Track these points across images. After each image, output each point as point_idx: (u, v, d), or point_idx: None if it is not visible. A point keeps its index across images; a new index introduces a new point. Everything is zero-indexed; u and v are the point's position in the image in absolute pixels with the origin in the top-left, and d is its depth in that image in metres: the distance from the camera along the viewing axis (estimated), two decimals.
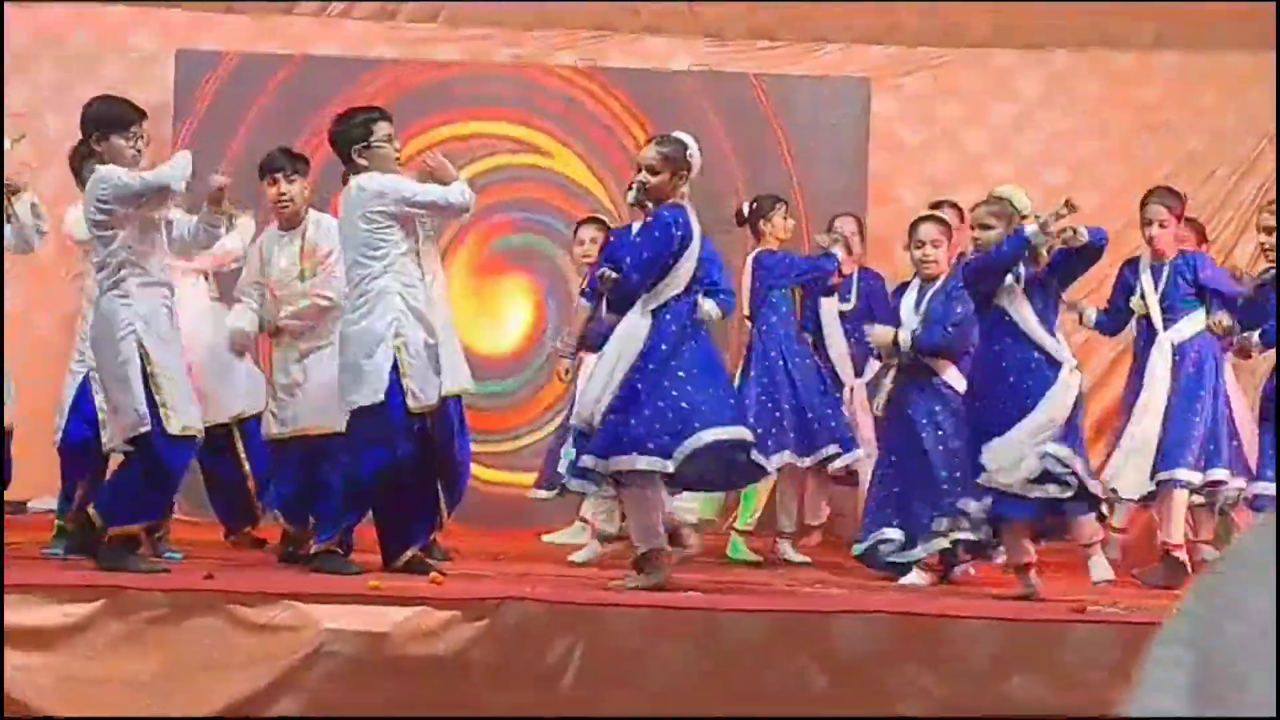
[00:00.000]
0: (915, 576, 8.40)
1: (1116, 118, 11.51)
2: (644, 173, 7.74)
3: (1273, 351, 8.82)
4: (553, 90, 11.26)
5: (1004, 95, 11.51)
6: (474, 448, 9.42)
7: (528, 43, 11.36)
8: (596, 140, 11.20)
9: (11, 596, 6.86)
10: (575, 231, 9.89)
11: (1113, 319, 9.29)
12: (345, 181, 8.07)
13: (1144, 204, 9.06)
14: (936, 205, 9.41)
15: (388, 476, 7.92)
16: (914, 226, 8.90)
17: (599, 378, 7.73)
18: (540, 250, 11.18)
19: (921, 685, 6.87)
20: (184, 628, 6.87)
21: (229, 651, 6.83)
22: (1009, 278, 7.78)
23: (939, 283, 8.67)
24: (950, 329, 8.53)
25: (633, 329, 7.68)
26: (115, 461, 8.16)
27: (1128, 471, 8.86)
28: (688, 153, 7.78)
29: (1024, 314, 7.82)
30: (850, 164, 11.16)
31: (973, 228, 8.07)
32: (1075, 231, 7.61)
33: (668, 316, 7.68)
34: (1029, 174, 11.21)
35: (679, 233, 7.68)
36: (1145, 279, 8.99)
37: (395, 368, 7.86)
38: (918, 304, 8.68)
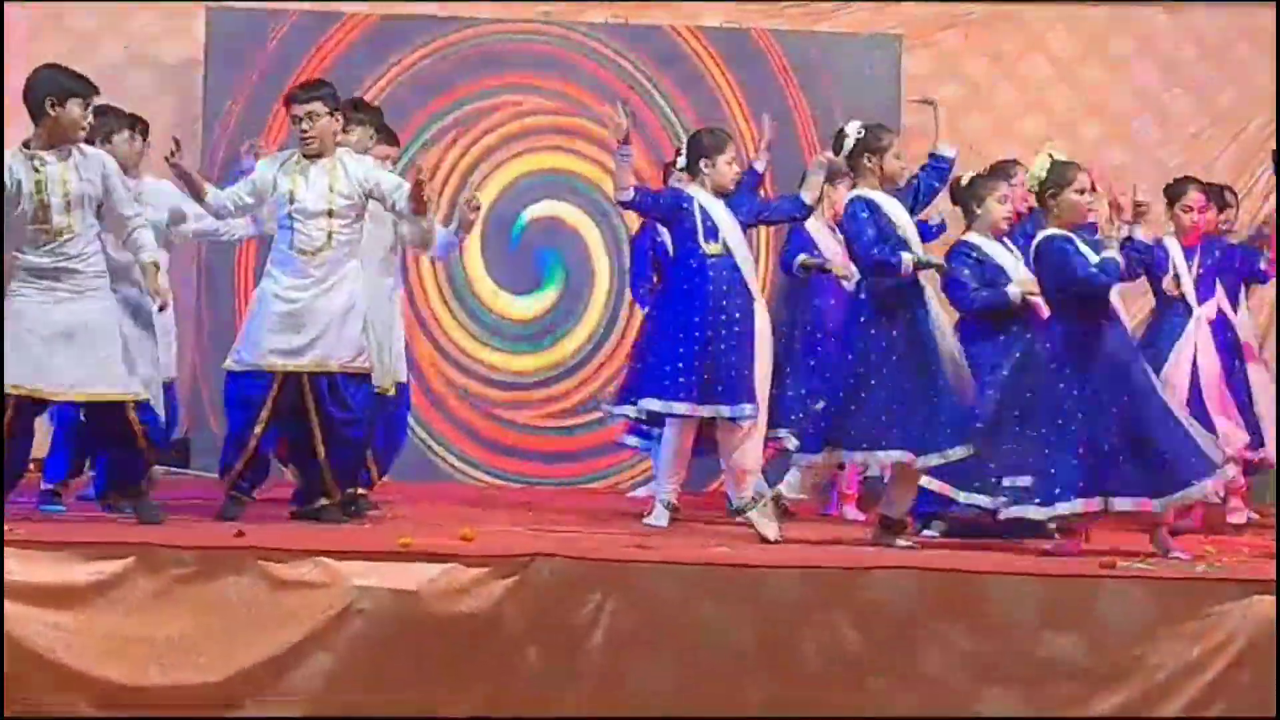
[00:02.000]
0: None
1: (1149, 74, 11.45)
2: None
3: None
4: (582, 46, 11.28)
5: (1036, 52, 11.42)
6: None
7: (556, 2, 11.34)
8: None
9: (44, 553, 6.85)
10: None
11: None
12: None
13: (1181, 193, 9.49)
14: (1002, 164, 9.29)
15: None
16: None
17: None
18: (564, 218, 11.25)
19: (952, 639, 6.87)
20: (214, 585, 6.84)
21: (259, 608, 6.81)
22: None
23: None
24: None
25: None
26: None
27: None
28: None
29: None
30: (881, 113, 11.00)
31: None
32: None
33: None
34: (1061, 131, 11.17)
35: None
36: (1179, 260, 9.40)
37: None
38: None
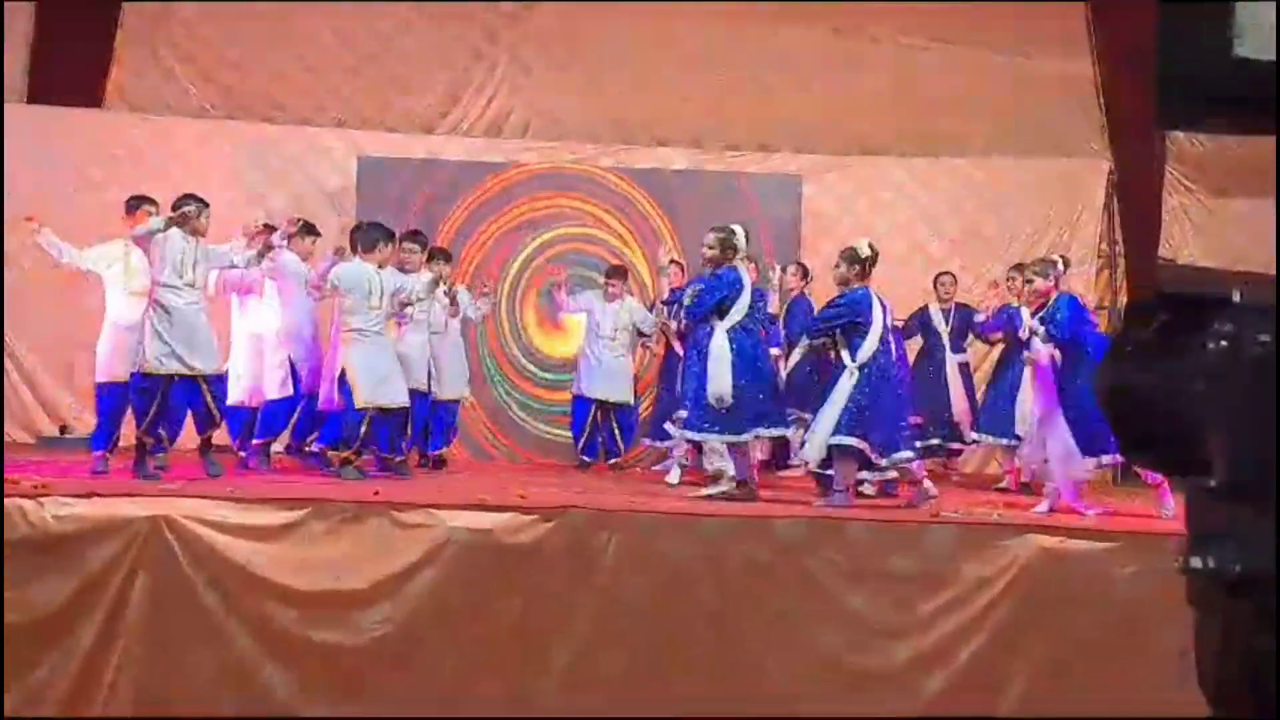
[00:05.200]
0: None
1: (960, 196, 11.32)
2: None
3: None
4: (598, 181, 11.06)
5: (886, 184, 11.31)
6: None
7: (581, 150, 11.18)
8: (622, 210, 11.03)
9: (248, 505, 6.77)
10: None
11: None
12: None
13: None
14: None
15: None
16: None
17: None
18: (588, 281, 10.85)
19: (832, 560, 6.80)
20: (361, 525, 6.78)
21: (389, 540, 6.76)
22: None
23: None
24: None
25: None
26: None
27: None
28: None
29: None
30: (789, 228, 10.95)
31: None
32: None
33: None
34: (901, 233, 11.08)
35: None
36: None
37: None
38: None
